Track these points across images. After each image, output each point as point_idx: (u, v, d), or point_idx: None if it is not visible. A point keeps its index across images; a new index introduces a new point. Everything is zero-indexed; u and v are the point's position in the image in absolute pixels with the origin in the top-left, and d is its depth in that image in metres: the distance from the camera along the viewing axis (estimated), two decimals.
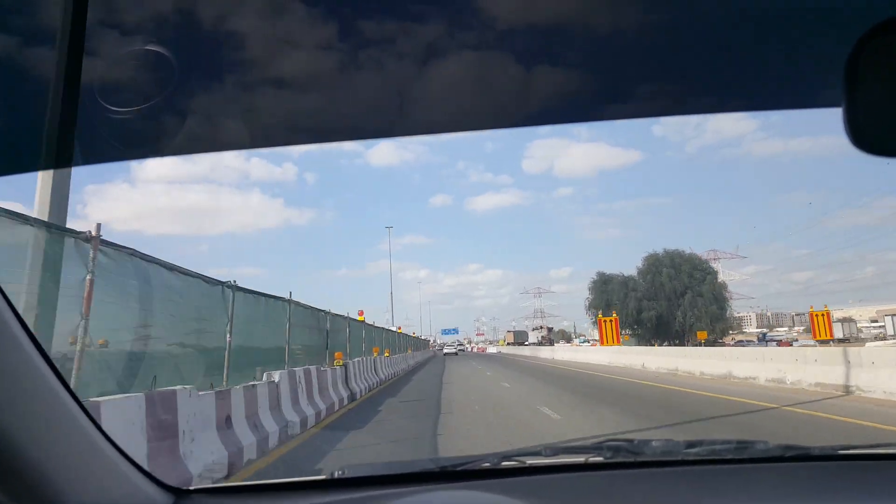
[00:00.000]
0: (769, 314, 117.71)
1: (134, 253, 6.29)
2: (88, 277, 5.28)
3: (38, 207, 5.51)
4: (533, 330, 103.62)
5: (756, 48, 1.26)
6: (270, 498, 1.50)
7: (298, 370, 10.19)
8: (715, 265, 66.69)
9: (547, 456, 1.68)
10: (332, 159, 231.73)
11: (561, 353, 47.17)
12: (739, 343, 52.62)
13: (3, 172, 1.25)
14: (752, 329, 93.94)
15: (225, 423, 6.69)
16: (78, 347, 5.02)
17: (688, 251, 61.15)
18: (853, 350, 14.08)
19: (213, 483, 4.48)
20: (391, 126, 1.39)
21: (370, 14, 1.21)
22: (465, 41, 1.24)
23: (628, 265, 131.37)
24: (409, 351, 39.39)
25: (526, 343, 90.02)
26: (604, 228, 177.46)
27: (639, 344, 51.11)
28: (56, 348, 5.00)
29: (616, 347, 35.87)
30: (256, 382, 8.28)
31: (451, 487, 1.57)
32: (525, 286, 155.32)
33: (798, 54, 1.27)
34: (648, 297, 58.40)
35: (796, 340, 55.04)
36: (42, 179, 5.57)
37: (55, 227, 5.37)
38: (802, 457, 1.67)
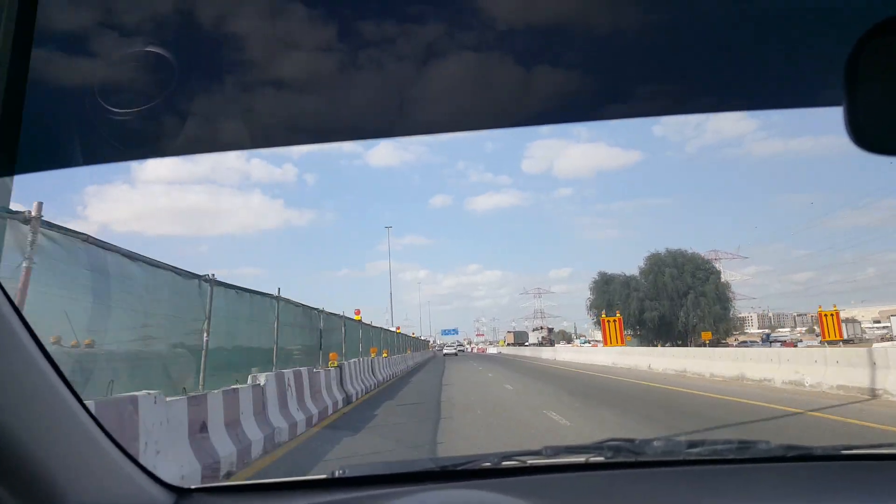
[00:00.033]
0: (771, 315, 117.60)
1: (87, 239, 5.47)
2: (25, 265, 4.49)
3: None
4: (533, 330, 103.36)
5: (756, 48, 1.26)
6: (271, 497, 1.50)
7: (287, 372, 9.67)
8: (717, 265, 66.58)
9: (547, 456, 1.68)
10: (332, 160, 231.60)
11: (563, 353, 46.80)
12: (743, 344, 52.30)
13: None
14: (754, 329, 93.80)
15: (199, 432, 6.19)
16: None
17: (690, 251, 61.12)
18: (879, 350, 13.27)
19: (215, 482, 4.47)
20: (391, 126, 1.40)
21: (370, 15, 1.21)
22: (465, 41, 1.25)
23: (628, 265, 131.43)
24: (409, 351, 39.29)
25: (526, 344, 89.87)
26: (603, 229, 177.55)
27: (641, 344, 50.99)
28: None
29: (620, 348, 35.49)
30: (238, 386, 7.70)
31: (451, 487, 1.57)
32: (525, 286, 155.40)
33: (798, 54, 1.27)
34: (650, 297, 58.33)
35: (800, 341, 54.93)
36: None
37: None
38: (804, 457, 1.67)
